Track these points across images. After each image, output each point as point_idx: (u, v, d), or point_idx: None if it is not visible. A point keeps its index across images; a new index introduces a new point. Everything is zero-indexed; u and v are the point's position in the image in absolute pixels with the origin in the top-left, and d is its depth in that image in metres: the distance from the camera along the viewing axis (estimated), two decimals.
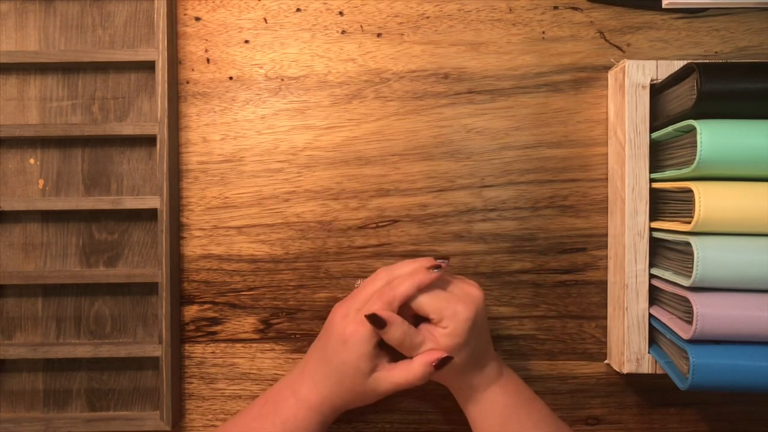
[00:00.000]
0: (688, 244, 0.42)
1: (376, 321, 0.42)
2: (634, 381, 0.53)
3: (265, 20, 0.52)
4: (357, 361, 0.43)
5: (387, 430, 0.53)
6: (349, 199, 0.52)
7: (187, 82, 0.52)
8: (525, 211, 0.52)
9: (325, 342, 0.45)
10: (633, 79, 0.47)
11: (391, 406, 0.53)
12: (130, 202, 0.50)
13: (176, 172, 0.52)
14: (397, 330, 0.42)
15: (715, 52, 0.52)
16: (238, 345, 0.53)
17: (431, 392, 0.53)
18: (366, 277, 0.47)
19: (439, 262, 0.44)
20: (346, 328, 0.43)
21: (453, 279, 0.46)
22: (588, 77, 0.52)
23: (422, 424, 0.53)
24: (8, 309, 0.53)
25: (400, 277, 0.44)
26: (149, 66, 0.51)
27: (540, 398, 0.47)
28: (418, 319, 0.45)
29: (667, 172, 0.45)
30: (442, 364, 0.42)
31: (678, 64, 0.46)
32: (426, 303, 0.43)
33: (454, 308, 0.43)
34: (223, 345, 0.53)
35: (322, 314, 0.52)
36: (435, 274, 0.43)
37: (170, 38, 0.50)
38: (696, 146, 0.41)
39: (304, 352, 0.49)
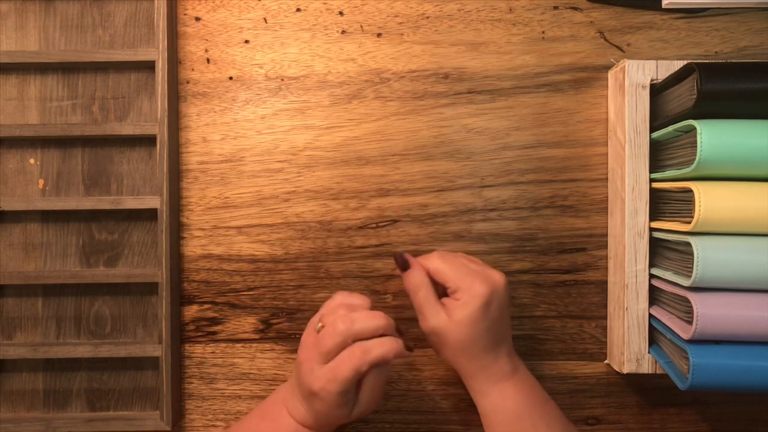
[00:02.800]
0: (688, 244, 0.42)
1: (401, 262, 0.46)
2: (634, 381, 0.53)
3: (265, 20, 0.52)
4: (334, 410, 0.42)
5: (387, 430, 0.53)
6: (349, 199, 0.52)
7: (187, 82, 0.52)
8: (525, 211, 0.52)
9: (300, 385, 0.44)
10: (633, 79, 0.47)
11: (391, 406, 0.53)
12: (130, 202, 0.50)
13: (176, 172, 0.52)
14: (419, 275, 0.46)
15: (715, 52, 0.52)
16: (238, 345, 0.53)
17: (431, 393, 0.53)
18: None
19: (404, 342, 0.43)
20: (314, 384, 0.42)
21: (479, 263, 0.47)
22: (588, 77, 0.52)
23: (422, 424, 0.53)
24: (8, 309, 0.53)
25: (372, 343, 0.42)
26: (149, 66, 0.51)
27: (552, 400, 0.47)
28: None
29: (667, 172, 0.45)
30: (408, 351, 0.43)
31: (678, 64, 0.46)
32: (446, 272, 0.45)
33: (471, 282, 0.44)
34: (223, 345, 0.53)
35: None
36: (405, 352, 0.43)
37: (170, 38, 0.50)
38: (696, 146, 0.41)
39: None
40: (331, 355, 0.42)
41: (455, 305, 0.44)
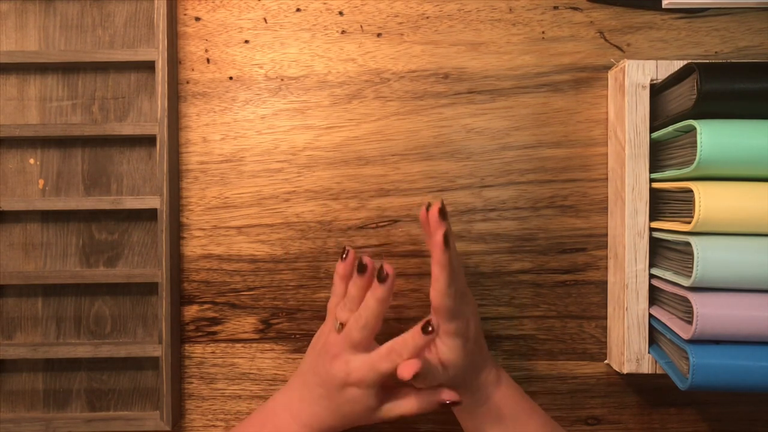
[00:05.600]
0: (688, 244, 0.42)
1: (413, 377, 0.40)
2: (634, 381, 0.53)
3: (265, 20, 0.52)
4: (364, 400, 0.42)
5: (387, 430, 0.53)
6: (349, 199, 0.52)
7: (187, 82, 0.52)
8: (525, 211, 0.52)
9: (321, 382, 0.44)
10: (633, 79, 0.47)
11: None
12: (130, 202, 0.50)
13: (176, 172, 0.52)
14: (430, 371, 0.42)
15: (715, 52, 0.52)
16: (238, 345, 0.53)
17: None
18: None
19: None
20: (351, 374, 0.42)
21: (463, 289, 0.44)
22: (588, 77, 0.52)
23: (422, 424, 0.53)
24: (8, 309, 0.53)
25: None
26: (149, 66, 0.51)
27: (539, 408, 0.46)
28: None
29: (667, 172, 0.45)
30: (453, 405, 0.42)
31: (678, 64, 0.46)
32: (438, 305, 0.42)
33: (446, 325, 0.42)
34: (223, 345, 0.53)
35: (321, 314, 0.52)
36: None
37: (170, 38, 0.50)
38: (696, 146, 0.41)
39: (304, 352, 0.49)
40: (362, 346, 0.42)
41: (439, 348, 0.43)
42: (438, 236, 0.41)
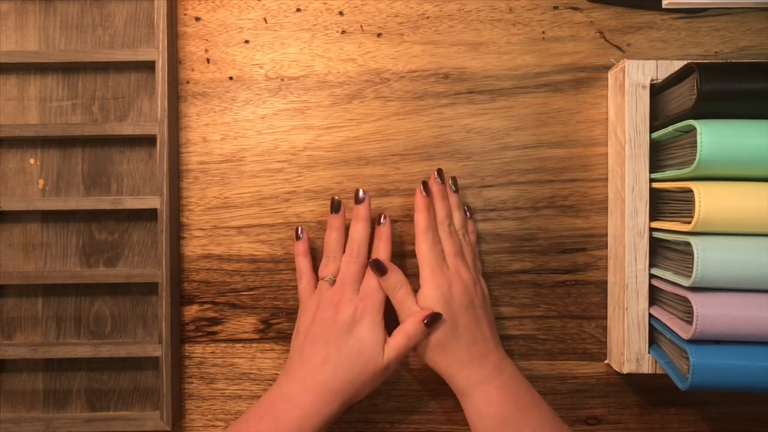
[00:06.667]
0: (688, 244, 0.42)
1: (378, 267, 0.47)
2: (634, 381, 0.53)
3: (265, 20, 0.52)
4: (372, 334, 0.46)
5: (387, 430, 0.53)
6: (349, 199, 0.52)
7: (187, 82, 0.52)
8: (525, 211, 0.52)
9: (324, 342, 0.46)
10: (633, 79, 0.47)
11: (391, 406, 0.53)
12: (130, 202, 0.50)
13: (176, 172, 0.52)
14: (396, 276, 0.47)
15: (715, 52, 0.52)
16: (238, 345, 0.53)
17: (432, 392, 0.53)
18: None
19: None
20: (354, 310, 0.46)
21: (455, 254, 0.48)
22: (588, 77, 0.52)
23: (422, 424, 0.53)
24: (8, 309, 0.53)
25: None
26: (149, 66, 0.51)
27: (546, 404, 0.47)
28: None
29: (667, 172, 0.45)
30: (432, 320, 0.45)
31: (678, 64, 0.46)
32: (420, 264, 0.48)
33: (424, 282, 0.47)
34: (223, 345, 0.53)
35: None
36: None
37: (170, 38, 0.50)
38: (696, 146, 0.41)
39: None
40: (359, 278, 0.48)
41: (419, 297, 0.47)
42: (419, 187, 0.49)
